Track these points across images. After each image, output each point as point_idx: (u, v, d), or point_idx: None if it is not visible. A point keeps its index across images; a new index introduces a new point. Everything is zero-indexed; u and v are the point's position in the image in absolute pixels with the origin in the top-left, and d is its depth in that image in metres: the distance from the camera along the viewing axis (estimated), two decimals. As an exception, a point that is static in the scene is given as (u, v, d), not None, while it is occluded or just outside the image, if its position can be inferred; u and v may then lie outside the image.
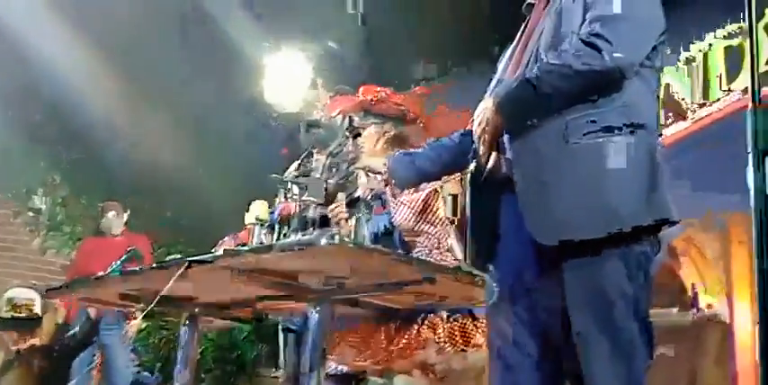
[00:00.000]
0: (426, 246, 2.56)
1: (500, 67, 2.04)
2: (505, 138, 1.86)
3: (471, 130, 1.94)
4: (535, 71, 1.79)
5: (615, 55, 1.73)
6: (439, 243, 2.55)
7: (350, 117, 2.82)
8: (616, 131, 1.76)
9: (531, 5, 2.01)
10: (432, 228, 2.59)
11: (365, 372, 2.73)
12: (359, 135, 2.79)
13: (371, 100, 2.76)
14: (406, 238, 2.61)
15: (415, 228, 2.60)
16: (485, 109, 1.86)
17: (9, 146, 6.72)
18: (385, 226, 2.67)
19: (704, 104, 4.37)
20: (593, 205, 1.73)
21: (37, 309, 3.70)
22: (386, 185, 2.31)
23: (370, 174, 2.29)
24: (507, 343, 1.85)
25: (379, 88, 2.83)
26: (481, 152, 1.89)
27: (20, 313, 3.75)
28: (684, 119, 4.45)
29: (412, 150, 2.48)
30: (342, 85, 3.36)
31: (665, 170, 1.81)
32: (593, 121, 1.76)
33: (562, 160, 1.76)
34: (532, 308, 1.82)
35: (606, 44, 1.73)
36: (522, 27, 2.02)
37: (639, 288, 1.74)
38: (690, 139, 4.41)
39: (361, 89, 2.79)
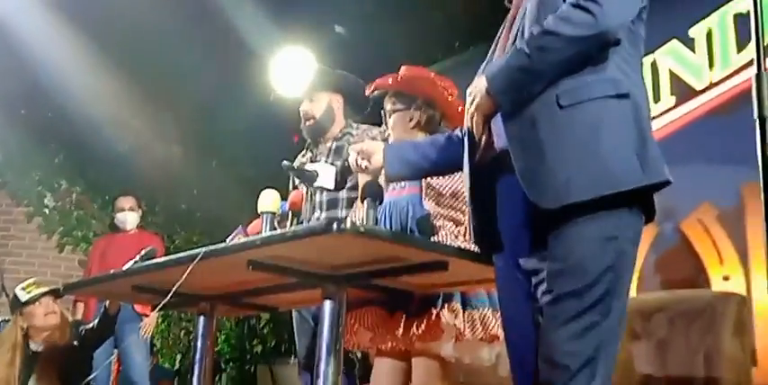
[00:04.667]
0: (453, 233, 2.54)
1: (486, 60, 2.03)
2: (498, 114, 1.85)
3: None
4: (526, 41, 1.79)
5: (607, 16, 1.73)
6: (466, 231, 2.52)
7: (375, 97, 2.80)
8: (604, 98, 1.76)
9: None
10: (460, 215, 2.56)
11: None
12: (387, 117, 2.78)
13: (407, 78, 2.72)
14: (435, 222, 2.59)
15: (442, 213, 2.58)
16: (476, 86, 1.86)
17: (24, 144, 6.77)
18: (411, 205, 2.64)
19: (712, 84, 4.33)
20: (592, 167, 1.72)
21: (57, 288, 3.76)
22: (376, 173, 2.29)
23: (360, 158, 2.27)
24: (512, 324, 1.89)
25: (417, 68, 2.80)
26: (474, 131, 1.89)
27: (46, 288, 3.81)
28: (693, 98, 4.41)
29: (412, 141, 2.47)
30: (346, 74, 3.35)
31: (652, 136, 1.80)
32: (581, 92, 1.76)
33: (558, 124, 1.76)
34: (530, 291, 1.81)
35: (597, 6, 1.73)
36: (505, 19, 2.03)
37: (617, 252, 1.72)
38: (702, 116, 4.37)
39: (402, 68, 2.76)
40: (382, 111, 2.81)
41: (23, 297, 3.82)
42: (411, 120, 2.72)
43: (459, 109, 2.64)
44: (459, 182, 2.54)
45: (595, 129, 1.74)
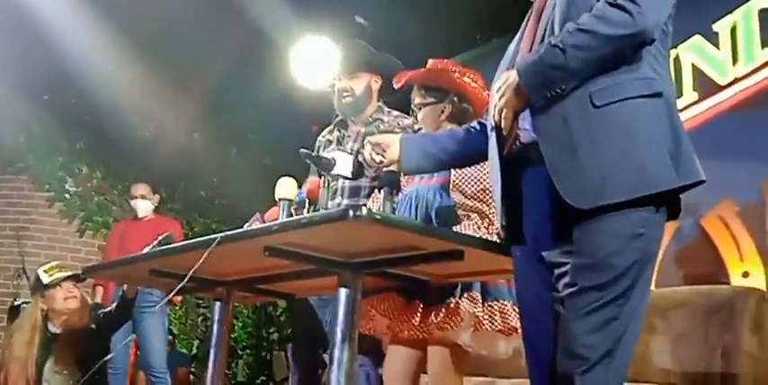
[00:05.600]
0: (476, 224, 2.54)
1: (508, 53, 2.02)
2: (527, 110, 1.84)
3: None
4: (561, 37, 1.76)
5: (644, 15, 1.71)
6: (490, 223, 2.52)
7: (412, 93, 2.80)
8: (638, 98, 1.75)
9: None
10: (485, 207, 2.56)
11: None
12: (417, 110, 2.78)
13: (438, 71, 2.71)
14: (460, 212, 2.58)
15: (469, 204, 2.57)
16: (506, 81, 1.84)
17: (46, 129, 6.82)
18: (437, 195, 2.63)
19: (736, 79, 4.29)
20: (627, 168, 1.71)
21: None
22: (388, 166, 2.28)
23: (375, 150, 2.27)
24: (530, 314, 1.89)
25: (446, 61, 2.79)
26: (502, 126, 1.88)
27: (68, 271, 3.85)
28: (716, 93, 4.37)
29: (429, 133, 2.47)
30: (389, 57, 3.32)
31: (687, 135, 1.79)
32: (615, 92, 1.75)
33: (591, 123, 1.75)
34: (551, 282, 1.81)
35: (634, 5, 1.71)
36: (529, 12, 2.01)
37: (642, 248, 1.73)
38: (725, 111, 4.34)
39: (430, 61, 2.75)
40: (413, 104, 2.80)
41: (45, 279, 3.85)
42: (443, 112, 2.71)
43: (486, 100, 2.64)
44: (488, 175, 2.53)
45: (630, 129, 1.73)
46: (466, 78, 2.70)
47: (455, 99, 2.71)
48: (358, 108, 3.29)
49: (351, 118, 3.33)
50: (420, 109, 2.75)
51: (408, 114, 3.00)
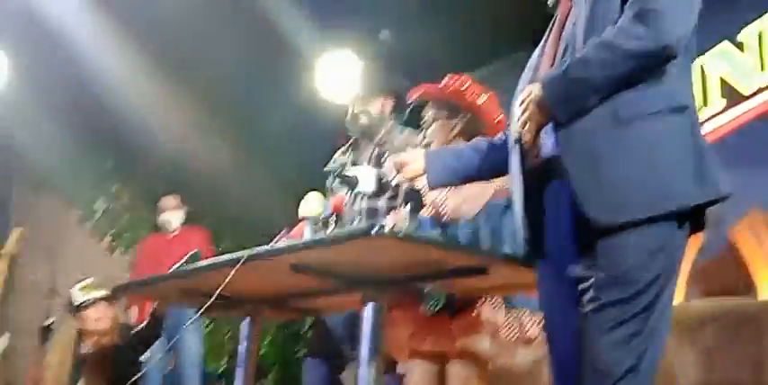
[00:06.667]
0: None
1: (530, 66, 2.02)
2: (549, 124, 1.84)
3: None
4: (585, 52, 1.77)
5: (669, 30, 1.71)
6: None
7: (412, 106, 2.82)
8: (663, 113, 1.75)
9: (557, 2, 2.00)
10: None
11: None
12: (427, 126, 2.80)
13: (452, 88, 2.73)
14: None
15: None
16: (529, 95, 1.84)
17: (77, 149, 6.91)
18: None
19: (761, 88, 4.25)
20: (650, 184, 1.71)
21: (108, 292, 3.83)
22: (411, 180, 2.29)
23: (397, 168, 2.28)
24: (555, 329, 1.88)
25: (461, 78, 2.81)
26: (525, 139, 1.88)
27: (101, 292, 3.87)
28: (742, 102, 4.34)
29: (452, 147, 2.48)
30: (400, 78, 3.38)
31: (711, 149, 1.78)
32: (640, 106, 1.74)
33: (614, 138, 1.74)
34: (575, 297, 1.80)
35: (658, 20, 1.71)
36: (550, 26, 2.00)
37: (664, 263, 1.73)
38: (752, 120, 4.30)
39: (446, 77, 2.77)
40: (423, 118, 2.82)
41: (78, 299, 3.89)
42: (454, 128, 2.73)
43: (499, 119, 2.68)
44: None
45: (652, 144, 1.73)
46: (481, 96, 2.71)
47: (467, 116, 2.72)
48: (372, 132, 3.36)
49: (367, 139, 3.39)
50: (432, 123, 2.77)
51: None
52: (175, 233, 5.52)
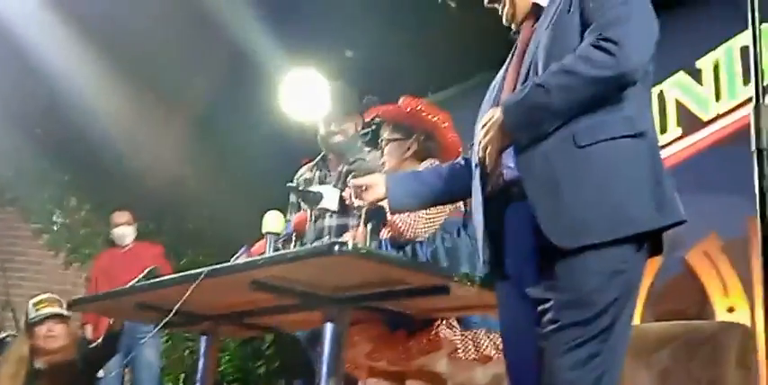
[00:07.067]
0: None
1: (492, 90, 2.04)
2: (510, 147, 1.87)
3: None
4: (545, 78, 1.79)
5: (627, 57, 1.74)
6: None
7: (374, 125, 2.85)
8: (621, 138, 1.78)
9: (520, 28, 2.03)
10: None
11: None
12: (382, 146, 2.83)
13: (409, 110, 2.76)
14: None
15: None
16: (490, 119, 1.87)
17: (36, 161, 6.83)
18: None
19: (718, 115, 4.34)
20: (608, 208, 1.74)
21: (64, 308, 3.75)
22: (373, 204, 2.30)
23: (356, 191, 2.28)
24: (514, 350, 1.90)
25: (417, 100, 2.84)
26: (486, 162, 1.90)
27: (55, 307, 3.79)
28: (699, 129, 4.42)
29: (414, 171, 2.50)
30: (370, 96, 3.39)
31: (669, 174, 1.82)
32: (599, 132, 1.77)
33: (574, 163, 1.77)
34: (534, 318, 1.81)
35: (617, 47, 1.74)
36: (513, 50, 2.04)
37: (623, 285, 1.75)
38: (708, 146, 4.39)
39: (401, 99, 2.80)
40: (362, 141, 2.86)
41: (31, 314, 3.82)
42: (408, 149, 2.77)
43: (452, 140, 2.74)
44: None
45: (611, 169, 1.75)
46: (436, 118, 2.75)
47: (421, 137, 2.76)
48: (347, 148, 3.36)
49: (330, 157, 3.40)
50: (387, 144, 2.79)
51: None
52: (128, 248, 5.48)
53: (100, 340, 3.94)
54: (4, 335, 5.42)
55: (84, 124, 6.27)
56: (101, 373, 4.04)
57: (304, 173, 3.47)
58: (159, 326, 2.48)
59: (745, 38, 4.23)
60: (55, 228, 7.06)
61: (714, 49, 4.42)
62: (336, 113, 3.44)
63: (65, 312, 3.79)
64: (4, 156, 6.68)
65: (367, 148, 3.39)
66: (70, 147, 6.78)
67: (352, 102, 3.43)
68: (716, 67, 4.42)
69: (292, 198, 3.24)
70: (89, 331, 5.30)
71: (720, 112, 4.36)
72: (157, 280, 2.63)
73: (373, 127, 2.94)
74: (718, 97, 4.38)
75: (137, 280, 2.74)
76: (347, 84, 3.63)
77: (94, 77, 5.90)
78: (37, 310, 3.80)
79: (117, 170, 6.80)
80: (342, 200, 2.59)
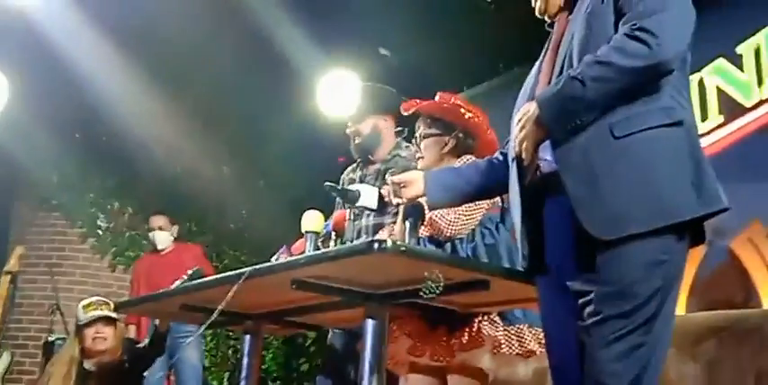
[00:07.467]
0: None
1: (527, 84, 2.04)
2: (547, 141, 1.86)
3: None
4: (580, 70, 1.78)
5: (663, 48, 1.73)
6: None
7: (417, 123, 2.84)
8: (659, 128, 1.77)
9: (554, 20, 2.03)
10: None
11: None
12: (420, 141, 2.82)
13: (446, 106, 2.75)
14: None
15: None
16: (525, 113, 1.86)
17: (78, 167, 6.94)
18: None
19: (761, 101, 4.27)
20: (648, 198, 1.73)
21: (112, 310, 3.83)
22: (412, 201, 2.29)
23: (394, 189, 2.28)
24: (556, 343, 1.90)
25: (454, 96, 2.84)
26: (523, 156, 1.89)
27: (103, 310, 3.86)
28: (742, 115, 4.35)
29: (452, 167, 2.50)
30: (398, 97, 3.39)
31: (709, 162, 1.80)
32: (636, 122, 1.76)
33: (612, 154, 1.76)
34: (575, 311, 1.80)
35: (652, 37, 1.72)
36: (547, 42, 2.03)
37: (665, 276, 1.74)
38: (751, 133, 4.32)
39: (437, 95, 2.79)
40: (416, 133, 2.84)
41: (80, 317, 3.90)
42: (446, 145, 2.75)
43: (490, 137, 2.73)
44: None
45: (651, 159, 1.74)
46: (471, 114, 2.74)
47: (459, 134, 2.74)
48: (367, 149, 3.37)
49: (369, 157, 3.40)
50: (423, 139, 2.78)
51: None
52: (167, 251, 5.54)
53: (147, 340, 4.01)
54: (54, 337, 5.55)
55: (125, 130, 6.36)
56: (147, 373, 4.10)
57: (349, 173, 3.49)
58: (204, 327, 2.51)
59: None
60: (99, 232, 7.17)
61: (754, 34, 4.35)
62: (354, 114, 3.44)
63: (113, 314, 3.86)
64: (48, 162, 6.80)
65: (405, 145, 3.39)
66: (112, 152, 6.88)
67: (370, 102, 3.42)
68: (757, 53, 4.34)
69: (337, 198, 3.26)
70: (132, 331, 5.38)
71: (763, 98, 4.28)
72: (200, 281, 2.66)
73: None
74: (760, 82, 4.31)
75: (181, 281, 2.78)
76: (378, 82, 3.62)
77: (134, 84, 5.97)
78: (86, 313, 3.88)
79: (158, 173, 6.88)
80: (381, 197, 2.58)
